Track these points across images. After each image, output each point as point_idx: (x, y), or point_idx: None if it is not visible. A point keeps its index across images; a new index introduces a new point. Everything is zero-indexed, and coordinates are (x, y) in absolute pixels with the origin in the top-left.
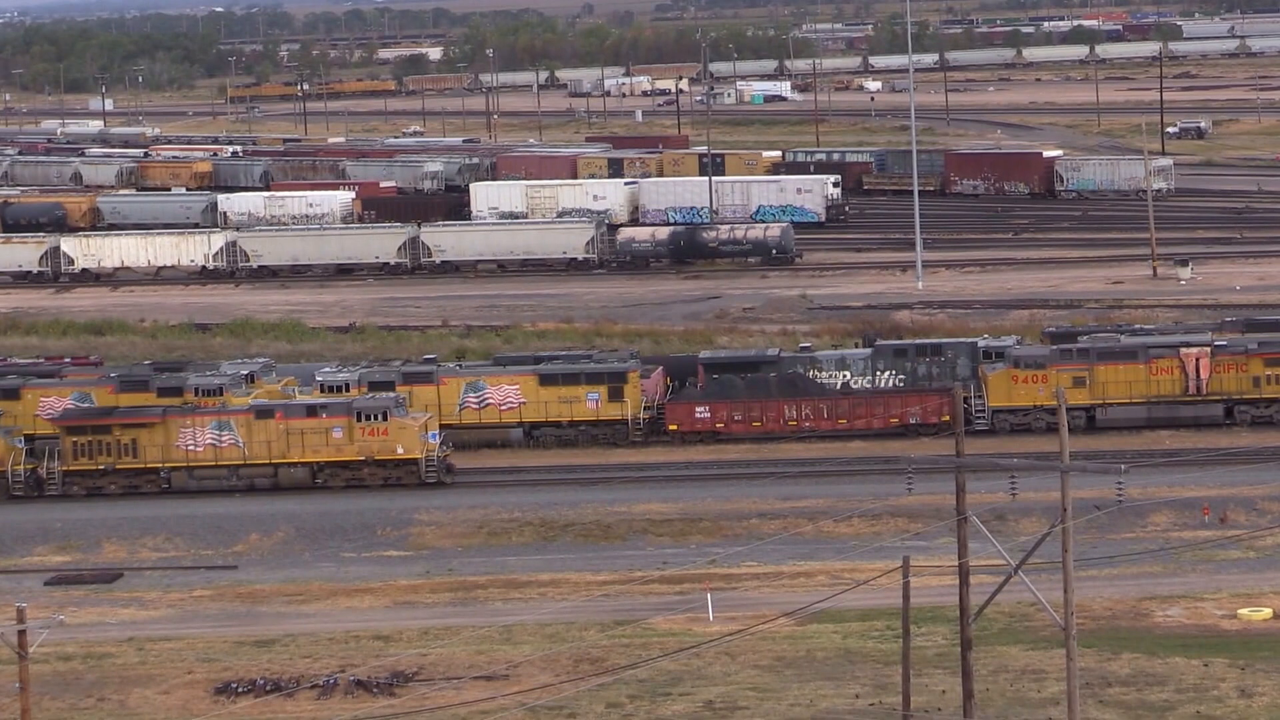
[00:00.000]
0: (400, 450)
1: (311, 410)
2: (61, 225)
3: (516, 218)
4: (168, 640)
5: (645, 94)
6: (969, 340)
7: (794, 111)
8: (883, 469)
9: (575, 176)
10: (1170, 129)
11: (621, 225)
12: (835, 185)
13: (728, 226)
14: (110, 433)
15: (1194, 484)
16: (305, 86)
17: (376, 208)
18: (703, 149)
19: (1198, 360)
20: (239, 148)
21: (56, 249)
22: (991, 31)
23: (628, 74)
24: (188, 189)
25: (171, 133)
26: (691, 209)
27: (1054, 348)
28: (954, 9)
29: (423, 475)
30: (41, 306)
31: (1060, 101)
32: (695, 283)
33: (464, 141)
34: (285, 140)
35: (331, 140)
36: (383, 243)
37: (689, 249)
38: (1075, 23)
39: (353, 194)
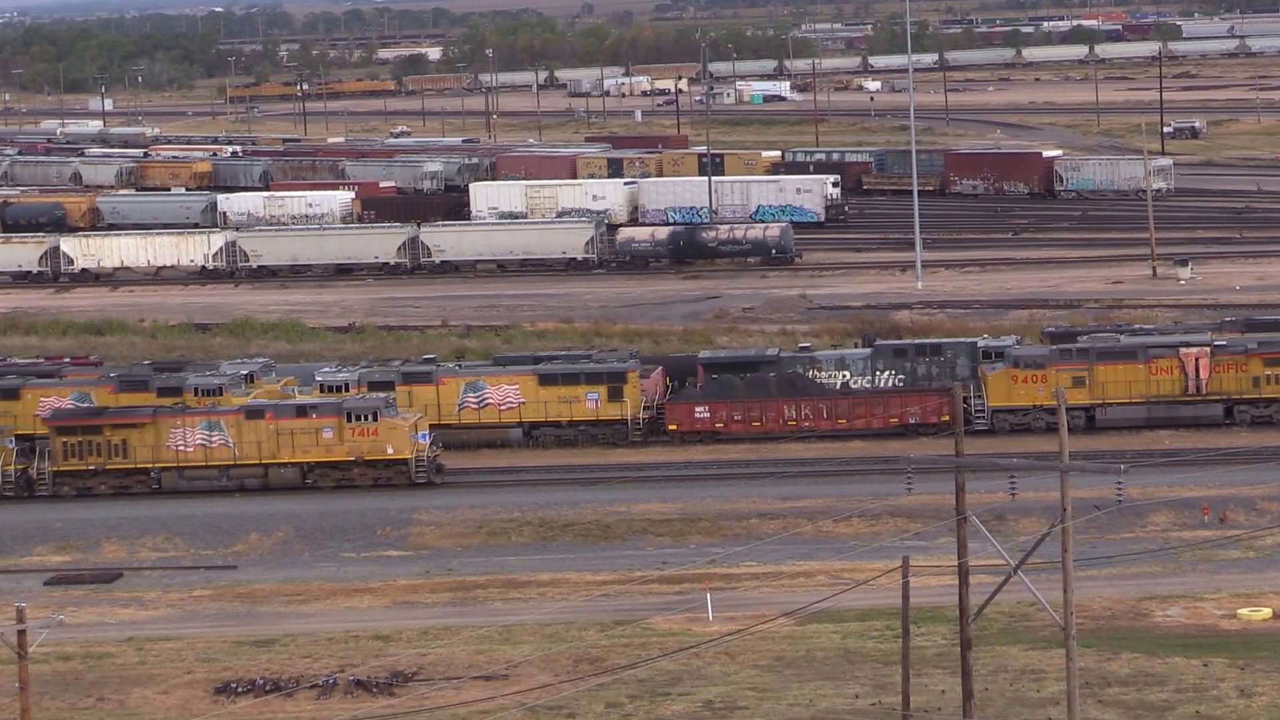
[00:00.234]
0: (390, 450)
1: (301, 411)
2: (61, 225)
3: (516, 218)
4: (167, 640)
5: (645, 94)
6: (969, 340)
7: (793, 111)
8: (882, 469)
9: (575, 176)
10: (1165, 129)
11: (621, 225)
12: (835, 185)
13: (727, 226)
14: (100, 433)
15: (1194, 484)
16: (305, 86)
17: (376, 208)
18: (702, 149)
19: (1197, 360)
20: (238, 148)
21: (56, 249)
22: (991, 31)
23: (627, 74)
24: (187, 189)
25: (171, 133)
26: (691, 209)
27: (1053, 348)
28: (954, 9)
29: (413, 475)
30: (41, 306)
31: (1060, 101)
32: (695, 283)
33: (463, 141)
34: (285, 140)
35: (331, 140)
36: (382, 243)
37: (688, 249)
38: (1075, 23)
39: (352, 194)
